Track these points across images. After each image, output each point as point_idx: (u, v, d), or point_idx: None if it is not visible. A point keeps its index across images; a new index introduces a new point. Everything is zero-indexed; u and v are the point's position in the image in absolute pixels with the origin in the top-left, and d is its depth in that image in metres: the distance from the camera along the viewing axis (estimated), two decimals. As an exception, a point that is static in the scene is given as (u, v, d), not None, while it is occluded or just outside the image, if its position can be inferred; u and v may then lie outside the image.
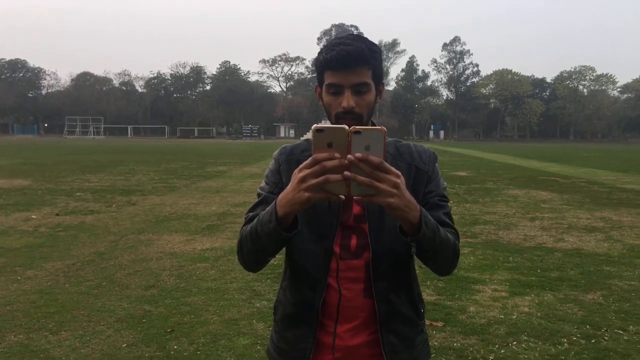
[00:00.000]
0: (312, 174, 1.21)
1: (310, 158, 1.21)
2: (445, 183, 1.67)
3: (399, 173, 1.24)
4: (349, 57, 1.47)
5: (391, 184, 1.21)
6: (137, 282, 5.82)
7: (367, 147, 1.19)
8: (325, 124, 1.56)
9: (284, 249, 1.60)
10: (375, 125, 1.56)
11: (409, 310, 1.61)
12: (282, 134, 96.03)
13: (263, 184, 1.66)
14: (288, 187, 1.31)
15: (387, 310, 1.56)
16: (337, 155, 1.19)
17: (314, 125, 1.23)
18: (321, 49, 1.55)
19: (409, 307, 1.62)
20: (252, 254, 1.53)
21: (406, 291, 1.62)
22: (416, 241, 1.37)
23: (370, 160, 1.18)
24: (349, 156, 1.18)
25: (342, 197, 1.24)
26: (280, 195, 1.34)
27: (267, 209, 1.41)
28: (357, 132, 1.18)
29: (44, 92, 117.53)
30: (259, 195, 1.65)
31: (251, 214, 1.59)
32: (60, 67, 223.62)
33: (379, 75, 1.56)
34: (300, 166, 1.25)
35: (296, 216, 1.37)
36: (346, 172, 1.18)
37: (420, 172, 1.60)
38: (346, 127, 1.20)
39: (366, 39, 1.55)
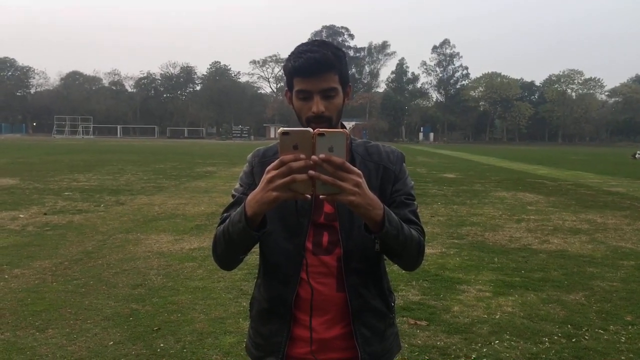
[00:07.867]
0: (279, 175, 1.27)
1: (277, 160, 1.28)
2: (413, 182, 1.74)
3: (361, 173, 1.30)
4: (317, 64, 1.53)
5: (353, 183, 1.28)
6: (124, 281, 5.84)
7: (330, 149, 1.25)
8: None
9: (258, 247, 1.66)
10: (345, 127, 1.64)
11: (379, 304, 1.68)
12: (272, 135, 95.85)
13: (237, 185, 1.72)
14: (257, 188, 1.36)
15: (358, 303, 1.62)
16: (302, 156, 1.25)
17: (280, 128, 1.29)
18: (289, 56, 1.60)
19: (379, 301, 1.68)
20: (225, 252, 1.59)
21: (376, 285, 1.68)
22: (380, 238, 1.43)
23: (333, 160, 1.24)
24: (314, 157, 1.24)
25: (308, 196, 1.30)
26: (250, 196, 1.40)
27: (238, 209, 1.47)
28: (321, 135, 1.25)
29: (32, 91, 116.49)
30: (233, 196, 1.70)
31: (225, 214, 1.64)
32: (49, 66, 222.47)
33: (346, 79, 1.63)
34: (268, 168, 1.31)
35: (265, 216, 1.43)
36: (311, 171, 1.24)
37: (387, 171, 1.66)
38: (310, 129, 1.26)
39: (331, 44, 1.61)
